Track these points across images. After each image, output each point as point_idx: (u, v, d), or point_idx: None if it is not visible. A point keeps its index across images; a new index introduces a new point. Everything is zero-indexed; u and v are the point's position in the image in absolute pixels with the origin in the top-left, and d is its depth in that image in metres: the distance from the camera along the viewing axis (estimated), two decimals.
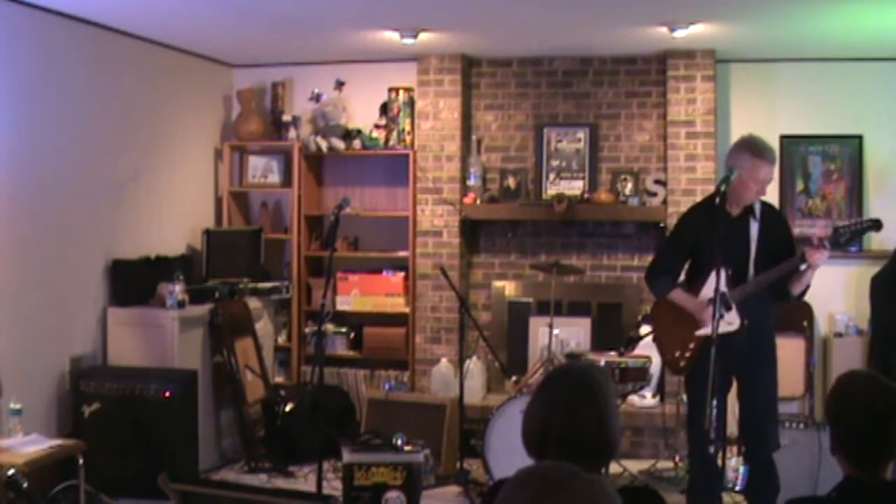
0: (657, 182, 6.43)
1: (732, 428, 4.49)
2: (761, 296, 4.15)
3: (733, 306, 4.09)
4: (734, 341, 4.07)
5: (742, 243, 4.14)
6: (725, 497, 4.69)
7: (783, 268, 4.05)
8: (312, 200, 6.91)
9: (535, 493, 1.59)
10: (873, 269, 5.40)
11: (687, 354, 4.25)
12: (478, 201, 6.55)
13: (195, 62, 6.64)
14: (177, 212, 6.43)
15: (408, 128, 6.64)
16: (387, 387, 6.26)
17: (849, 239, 4.07)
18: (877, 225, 4.07)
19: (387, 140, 6.68)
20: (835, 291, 6.24)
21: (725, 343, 4.04)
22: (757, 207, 4.19)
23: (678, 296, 4.30)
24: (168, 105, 6.34)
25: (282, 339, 6.80)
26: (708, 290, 4.14)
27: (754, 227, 4.17)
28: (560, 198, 6.32)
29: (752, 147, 4.12)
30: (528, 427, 2.26)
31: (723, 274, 4.07)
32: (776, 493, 4.11)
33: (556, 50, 6.46)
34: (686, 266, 4.40)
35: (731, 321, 4.07)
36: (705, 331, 4.12)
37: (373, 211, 6.87)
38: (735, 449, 5.24)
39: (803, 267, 4.02)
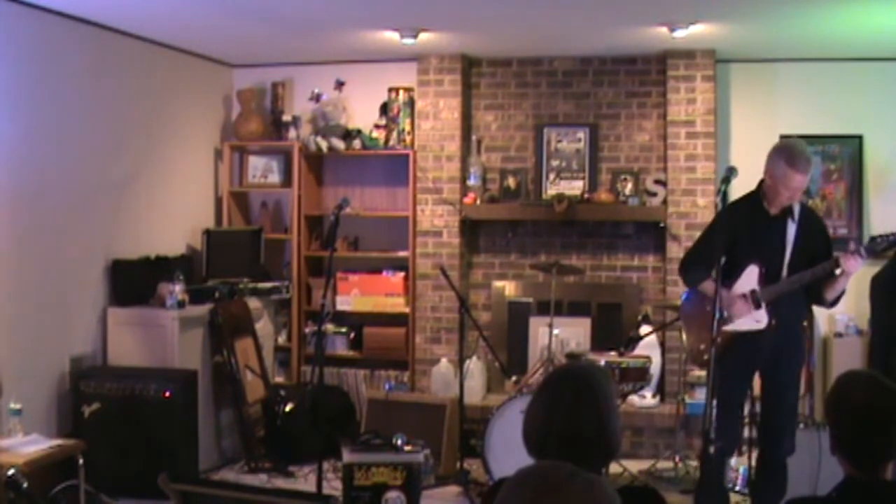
0: (657, 182, 6.43)
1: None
2: (793, 297, 4.16)
3: (763, 304, 4.10)
4: (762, 340, 4.09)
5: (777, 243, 4.14)
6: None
7: (817, 270, 4.05)
8: (312, 200, 6.91)
9: (535, 492, 1.59)
10: (873, 269, 5.39)
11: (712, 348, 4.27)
12: (478, 201, 6.55)
13: (195, 62, 6.64)
14: (177, 212, 6.43)
15: (408, 128, 6.64)
16: (387, 387, 6.26)
17: (886, 248, 4.08)
18: None
19: (387, 140, 6.68)
20: None
21: (753, 341, 4.06)
22: (796, 209, 4.19)
23: (708, 287, 4.27)
24: (168, 105, 6.34)
25: (282, 339, 6.80)
26: (740, 286, 4.16)
27: (791, 228, 4.16)
28: (560, 198, 6.32)
29: (787, 155, 4.08)
30: (529, 427, 2.27)
31: (756, 270, 4.12)
32: (782, 496, 4.11)
33: (556, 50, 6.46)
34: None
35: (759, 319, 4.10)
36: (733, 326, 4.13)
37: (373, 211, 6.87)
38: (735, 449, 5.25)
39: (838, 272, 4.03)
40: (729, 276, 4.25)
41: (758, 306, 4.11)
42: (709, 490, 4.27)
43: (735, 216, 4.21)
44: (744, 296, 4.13)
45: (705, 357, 4.31)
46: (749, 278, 4.16)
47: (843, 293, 4.17)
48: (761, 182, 4.26)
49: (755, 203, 4.20)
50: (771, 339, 4.12)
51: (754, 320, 4.10)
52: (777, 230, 4.16)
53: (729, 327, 4.16)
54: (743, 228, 4.17)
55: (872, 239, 4.10)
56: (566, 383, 2.29)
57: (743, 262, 4.15)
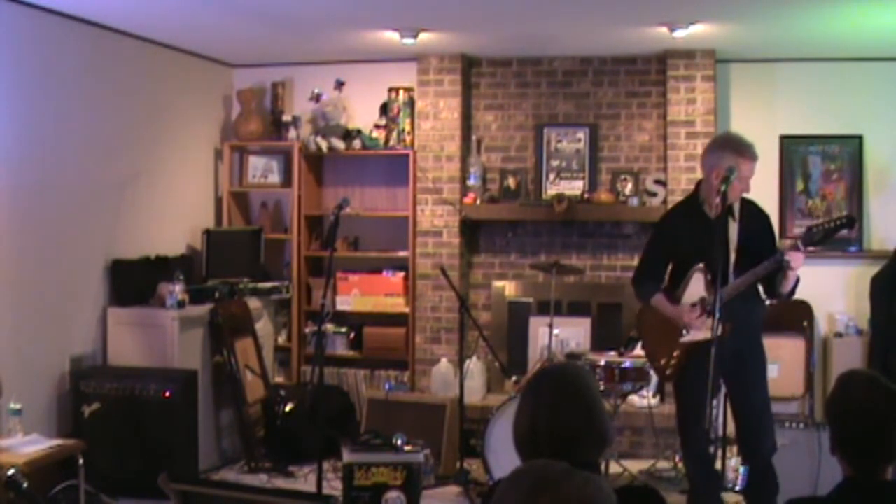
0: (657, 182, 6.43)
1: (731, 427, 4.48)
2: (747, 297, 4.05)
3: (716, 311, 3.94)
4: (720, 346, 4.01)
5: (720, 245, 3.97)
6: (725, 497, 4.68)
7: (759, 270, 3.95)
8: (312, 200, 6.91)
9: (530, 489, 1.60)
10: (873, 269, 5.42)
11: (673, 362, 4.19)
12: (478, 201, 6.55)
13: (195, 62, 6.63)
14: (177, 212, 6.43)
15: (408, 128, 6.64)
16: (387, 387, 6.26)
17: (823, 237, 3.92)
18: (850, 222, 3.96)
19: (387, 140, 6.68)
20: (835, 291, 6.24)
21: (710, 346, 4.01)
22: (736, 207, 4.09)
23: (659, 302, 4.23)
24: (168, 105, 6.34)
25: (282, 339, 6.80)
26: (689, 295, 4.10)
27: (733, 228, 4.08)
28: (560, 198, 6.32)
29: (734, 146, 4.02)
30: (518, 431, 2.29)
31: (702, 278, 4.05)
32: (776, 493, 4.10)
33: (556, 50, 6.46)
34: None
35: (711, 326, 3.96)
36: (689, 337, 4.09)
37: (373, 211, 6.87)
38: (735, 448, 5.25)
39: (788, 262, 3.91)
40: (676, 284, 4.22)
41: (709, 314, 3.91)
42: (707, 491, 4.27)
43: (672, 223, 4.18)
44: (694, 305, 4.06)
45: (667, 372, 4.26)
46: (697, 285, 4.07)
47: (797, 284, 4.04)
48: (698, 185, 4.20)
49: (693, 207, 4.12)
50: (729, 343, 3.94)
51: (708, 328, 3.90)
52: (718, 232, 3.98)
53: (686, 339, 4.12)
54: (682, 234, 4.10)
55: (809, 229, 3.96)
56: (545, 383, 2.33)
57: (688, 270, 4.08)
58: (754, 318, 4.18)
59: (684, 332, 4.13)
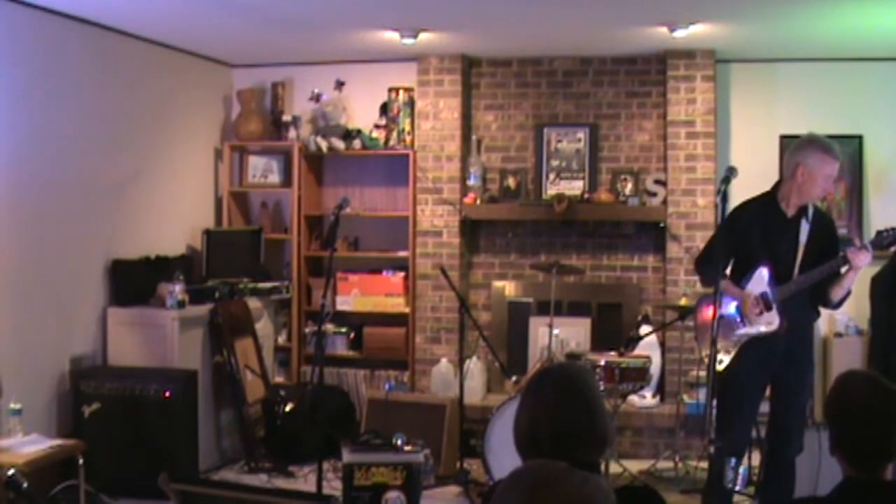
0: (657, 182, 6.43)
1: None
2: (803, 299, 4.14)
3: (774, 306, 4.08)
4: (775, 342, 4.07)
5: (791, 244, 4.12)
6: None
7: (825, 269, 4.03)
8: (312, 200, 6.91)
9: (530, 488, 1.60)
10: (873, 269, 5.40)
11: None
12: (478, 201, 6.55)
13: (195, 62, 6.64)
14: (177, 212, 6.43)
15: (408, 128, 6.64)
16: (387, 387, 6.25)
17: (891, 241, 4.05)
18: None
19: (387, 140, 6.69)
20: None
21: (766, 344, 4.04)
22: (810, 209, 4.17)
23: (725, 286, 4.22)
24: (168, 105, 6.34)
25: (282, 339, 6.80)
26: (753, 287, 4.15)
27: (805, 229, 4.14)
28: (560, 198, 6.32)
29: (820, 144, 4.11)
30: (519, 431, 2.29)
31: (766, 272, 4.11)
32: (791, 495, 4.10)
33: (556, 50, 6.46)
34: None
35: (770, 321, 4.08)
36: (744, 330, 4.12)
37: (373, 211, 6.87)
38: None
39: (845, 269, 4.01)
40: (739, 276, 4.25)
41: (769, 308, 4.08)
42: (713, 490, 4.26)
43: (747, 217, 4.18)
44: (756, 298, 4.11)
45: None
46: (759, 280, 4.13)
47: (849, 293, 4.13)
48: (777, 184, 4.24)
49: (771, 204, 4.18)
50: (783, 341, 4.09)
51: (766, 322, 4.08)
52: (792, 231, 4.13)
53: (742, 331, 4.15)
54: (756, 229, 4.14)
55: (879, 233, 4.08)
56: (546, 383, 2.33)
57: (754, 264, 4.13)
58: (808, 321, 4.26)
59: (739, 325, 4.16)
